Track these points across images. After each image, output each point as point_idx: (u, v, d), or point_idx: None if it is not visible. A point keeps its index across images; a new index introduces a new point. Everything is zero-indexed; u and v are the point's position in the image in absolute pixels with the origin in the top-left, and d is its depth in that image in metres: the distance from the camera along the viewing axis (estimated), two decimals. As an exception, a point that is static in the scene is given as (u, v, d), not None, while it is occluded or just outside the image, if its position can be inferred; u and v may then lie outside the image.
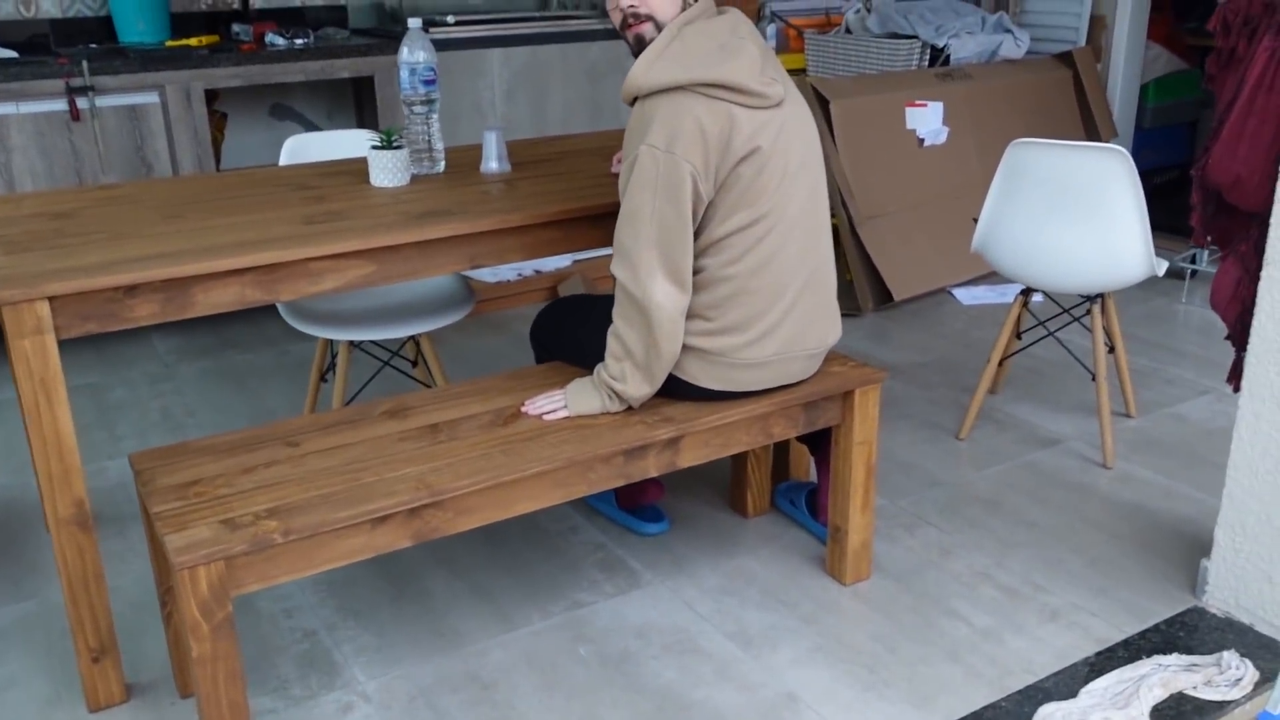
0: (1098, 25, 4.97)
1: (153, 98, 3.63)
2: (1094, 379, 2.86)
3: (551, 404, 2.08)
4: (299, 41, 3.90)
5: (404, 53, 2.48)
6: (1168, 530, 2.55)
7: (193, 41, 3.80)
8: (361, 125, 4.48)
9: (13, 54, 3.68)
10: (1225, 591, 2.23)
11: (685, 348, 2.04)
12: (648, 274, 1.96)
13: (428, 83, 2.50)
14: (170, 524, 1.70)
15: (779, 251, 2.02)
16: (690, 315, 2.04)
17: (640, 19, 2.01)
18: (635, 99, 2.02)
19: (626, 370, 2.03)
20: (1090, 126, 4.88)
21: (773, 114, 1.98)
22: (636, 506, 2.57)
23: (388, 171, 2.44)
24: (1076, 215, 2.65)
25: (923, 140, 4.25)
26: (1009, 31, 4.71)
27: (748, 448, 2.17)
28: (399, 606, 2.32)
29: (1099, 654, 2.11)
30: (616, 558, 2.48)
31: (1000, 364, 3.03)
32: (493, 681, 2.08)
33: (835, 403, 2.23)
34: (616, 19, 2.06)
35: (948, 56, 4.54)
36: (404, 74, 2.49)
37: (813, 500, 2.55)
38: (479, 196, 2.35)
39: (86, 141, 3.56)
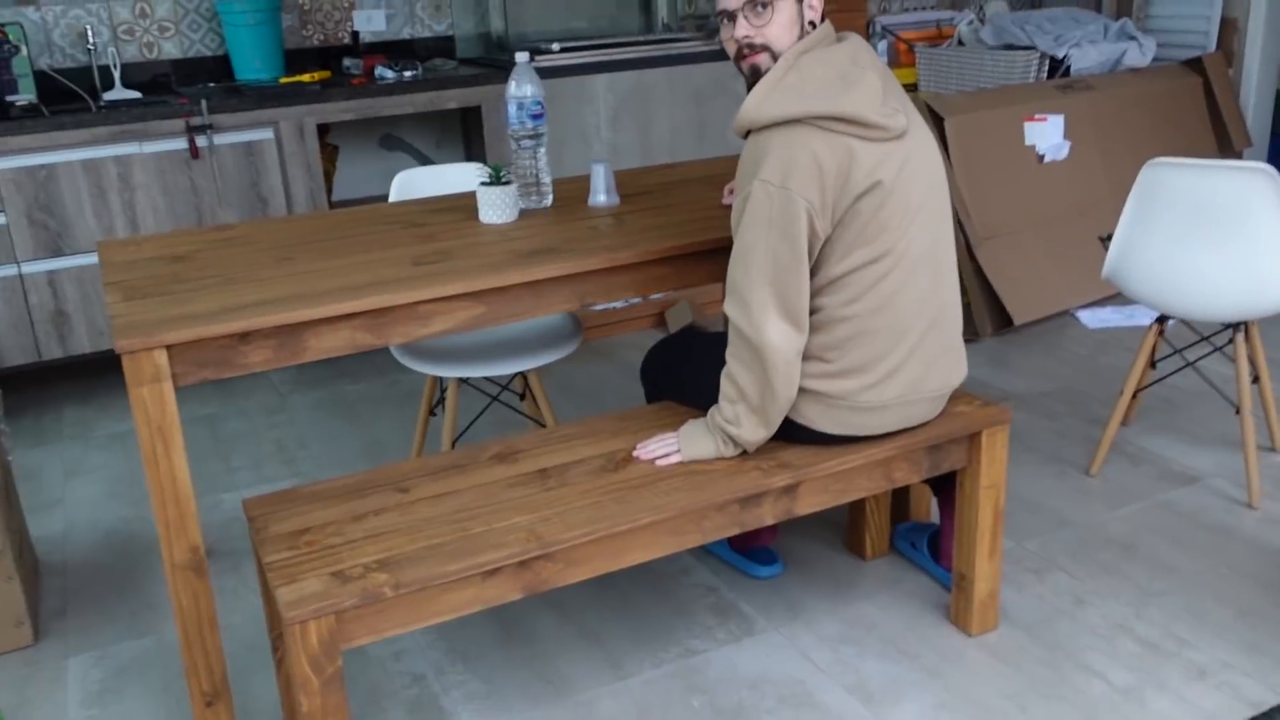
0: (1229, 29, 4.72)
1: (267, 134, 3.70)
2: (1237, 412, 2.68)
3: (664, 448, 2.02)
4: (407, 74, 3.94)
5: (511, 87, 2.46)
6: (1325, 578, 2.37)
7: (305, 78, 3.87)
8: (469, 154, 4.51)
9: (137, 94, 3.79)
10: (1396, 651, 2.05)
11: (803, 390, 1.96)
12: (761, 313, 1.89)
13: (535, 117, 2.47)
14: (281, 575, 1.69)
15: (902, 290, 1.93)
16: (808, 357, 1.95)
17: (756, 49, 1.94)
18: (749, 132, 1.95)
19: (741, 414, 1.95)
20: (1223, 136, 4.63)
21: (895, 146, 1.89)
22: (750, 549, 2.49)
23: (496, 208, 2.42)
24: (1218, 238, 2.49)
25: (1043, 156, 4.08)
26: (1133, 39, 4.50)
27: (868, 494, 2.07)
28: (508, 650, 2.28)
29: (1254, 719, 1.97)
30: (729, 602, 2.41)
31: (1134, 395, 2.86)
32: (604, 733, 2.03)
33: (961, 445, 2.12)
34: (731, 49, 1.99)
35: (1068, 68, 4.36)
36: (511, 108, 2.47)
37: (935, 543, 2.43)
38: (587, 233, 2.30)
39: (205, 178, 3.65)
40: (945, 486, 2.36)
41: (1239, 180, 2.43)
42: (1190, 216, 2.52)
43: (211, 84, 3.98)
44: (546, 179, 2.55)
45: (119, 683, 2.25)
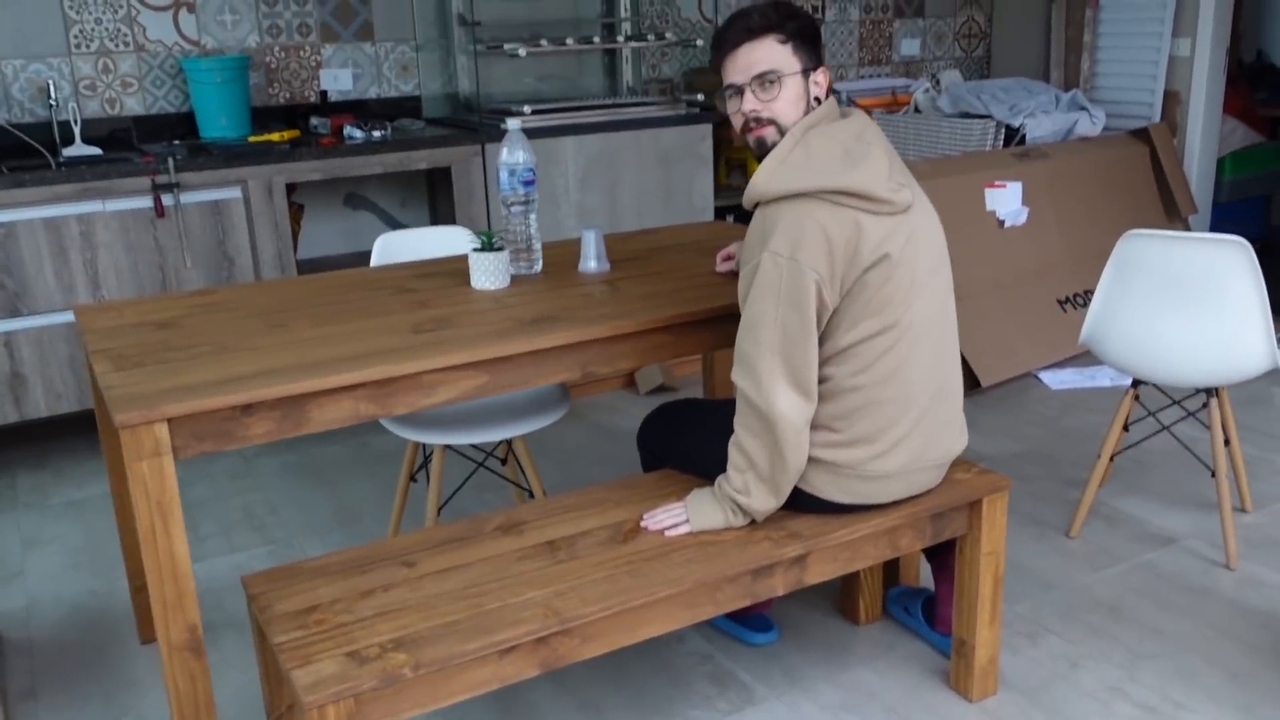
0: (1172, 100, 4.91)
1: (235, 193, 3.65)
2: (1213, 475, 2.74)
3: (672, 518, 2.00)
4: (376, 134, 3.92)
5: (504, 154, 2.46)
6: (1307, 639, 2.42)
7: (274, 137, 3.83)
8: (435, 214, 4.49)
9: (97, 151, 3.72)
10: (1386, 712, 2.09)
11: (811, 460, 1.96)
12: (771, 383, 1.89)
13: (527, 184, 2.48)
14: (294, 657, 1.63)
15: (908, 361, 1.95)
16: (816, 427, 1.96)
17: (762, 123, 1.97)
18: (757, 204, 1.97)
19: (750, 483, 1.95)
20: (1169, 203, 4.80)
21: (901, 220, 1.92)
22: (745, 615, 2.47)
23: (489, 274, 2.41)
24: (1193, 307, 2.56)
25: (1003, 221, 4.18)
26: (1084, 109, 4.65)
27: (874, 561, 2.08)
28: (505, 725, 2.23)
29: (1257, 783, 1.98)
30: (726, 670, 2.38)
31: (1110, 459, 2.92)
32: (611, 812, 1.98)
33: (962, 513, 2.14)
34: (738, 122, 2.01)
35: (1023, 136, 4.49)
36: (503, 175, 2.47)
37: (929, 609, 2.44)
38: (584, 300, 2.30)
39: (170, 238, 3.58)
40: (939, 552, 2.37)
41: (1214, 252, 2.51)
42: (1166, 286, 2.59)
43: (176, 141, 3.92)
44: (537, 245, 2.54)
45: (96, 768, 2.15)
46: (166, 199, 3.54)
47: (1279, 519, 2.96)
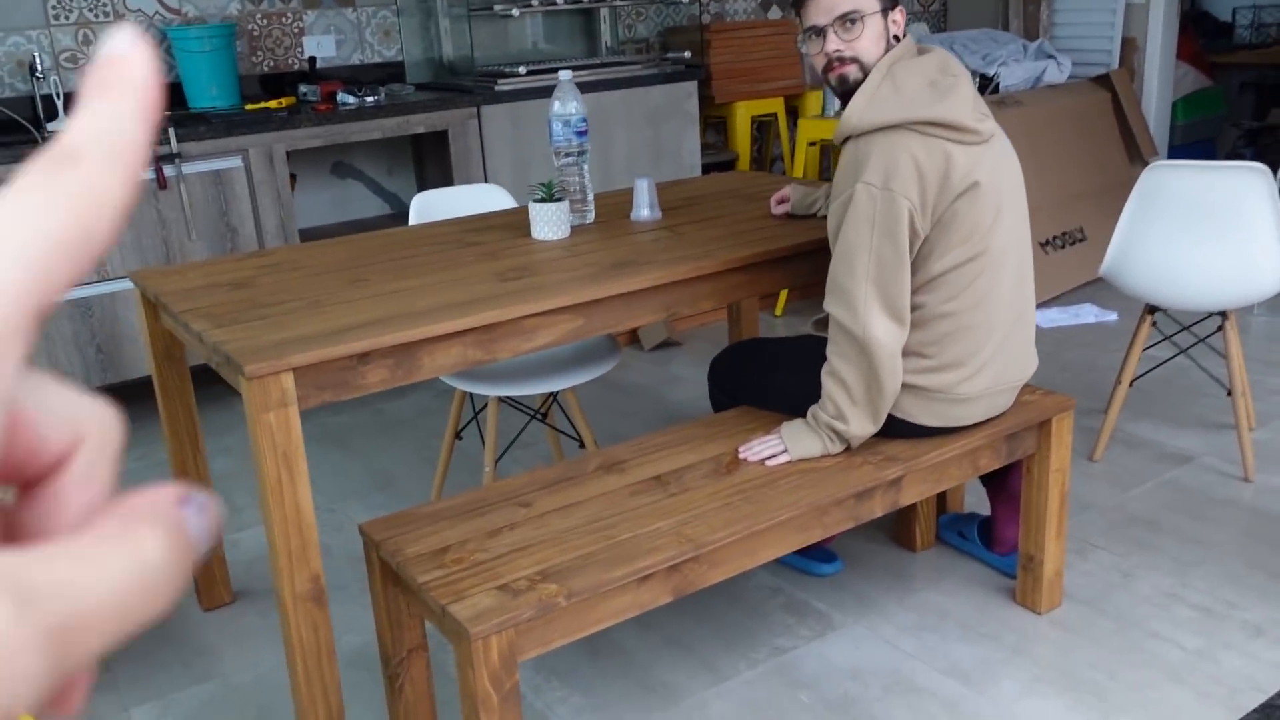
0: (1129, 47, 5.09)
1: (236, 162, 3.59)
2: (1228, 394, 2.90)
3: (770, 449, 2.07)
4: (369, 99, 3.88)
5: (556, 105, 2.48)
6: (1332, 539, 2.58)
7: (272, 104, 3.77)
8: (422, 180, 4.46)
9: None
10: None
11: (904, 386, 2.04)
12: (866, 311, 1.96)
13: (580, 133, 2.50)
14: (446, 594, 1.66)
15: (994, 286, 2.03)
16: (907, 354, 2.03)
17: (845, 61, 2.02)
18: (847, 139, 2.03)
19: (846, 409, 2.02)
20: (1131, 146, 4.98)
21: (985, 149, 2.00)
22: (810, 549, 2.55)
23: (551, 224, 2.43)
24: (1213, 233, 2.70)
25: (987, 168, 4.30)
26: (1051, 57, 4.80)
27: (958, 482, 2.17)
28: (598, 664, 2.28)
29: (1319, 667, 2.12)
30: (799, 600, 2.46)
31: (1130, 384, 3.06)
32: (725, 735, 2.05)
33: (1032, 432, 2.24)
34: (820, 63, 2.06)
35: (997, 85, 4.62)
36: (556, 126, 2.48)
37: (985, 532, 2.55)
38: (653, 245, 2.34)
39: (173, 209, 3.51)
40: (995, 478, 2.47)
41: (1234, 178, 2.64)
42: (1187, 213, 2.72)
43: (168, 112, 3.82)
44: (591, 195, 2.57)
45: (197, 731, 2.15)
46: (168, 170, 3.47)
47: (1282, 434, 3.14)
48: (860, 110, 1.98)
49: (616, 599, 1.74)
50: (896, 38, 2.06)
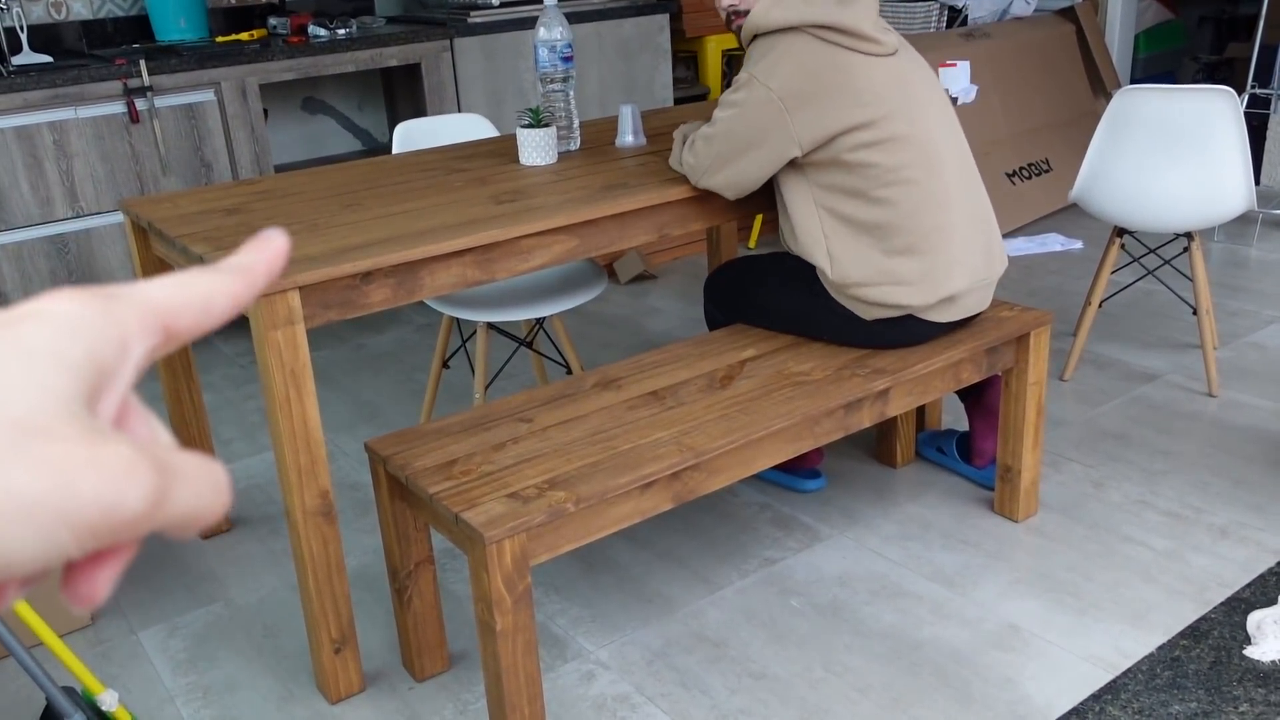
0: (1093, -20, 5.14)
1: (209, 95, 3.55)
2: (1194, 312, 3.00)
3: None
4: (341, 32, 3.85)
5: (541, 31, 2.49)
6: (1291, 448, 2.70)
7: (244, 36, 3.73)
8: (393, 114, 4.43)
9: (47, 58, 3.57)
10: (1378, 497, 2.38)
11: (886, 285, 2.12)
12: (706, 174, 2.18)
13: (566, 59, 2.51)
14: (458, 502, 1.71)
15: (940, 186, 2.13)
16: (880, 255, 2.12)
17: (740, 14, 2.17)
18: (755, 37, 2.14)
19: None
20: (1095, 79, 5.05)
21: (889, 60, 2.08)
22: (794, 466, 2.63)
23: (539, 150, 2.45)
24: (1182, 155, 2.78)
25: (955, 99, 4.36)
26: (1018, -10, 4.84)
27: (941, 394, 2.24)
28: (594, 578, 2.35)
29: (1280, 563, 2.24)
30: (786, 515, 2.54)
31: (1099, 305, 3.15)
32: (721, 639, 2.13)
33: (1011, 346, 2.32)
34: (722, 16, 2.21)
35: (965, 17, 4.66)
36: (542, 52, 2.50)
37: (963, 446, 2.64)
38: (641, 170, 2.37)
39: (146, 144, 3.48)
40: (972, 393, 2.56)
41: (1203, 101, 2.72)
42: (1157, 136, 2.80)
43: (135, 45, 3.77)
44: (577, 121, 2.59)
45: (206, 649, 2.19)
46: (140, 103, 3.43)
47: (1243, 352, 3.26)
48: (765, 10, 2.09)
49: (621, 505, 1.80)
50: None
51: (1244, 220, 4.42)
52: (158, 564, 2.50)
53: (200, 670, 2.13)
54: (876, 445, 2.75)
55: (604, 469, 1.80)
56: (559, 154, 2.53)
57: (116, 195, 3.46)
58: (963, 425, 2.83)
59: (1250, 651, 1.99)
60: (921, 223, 2.11)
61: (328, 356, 3.67)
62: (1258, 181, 4.61)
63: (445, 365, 2.94)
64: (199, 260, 1.94)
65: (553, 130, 2.46)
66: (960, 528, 2.45)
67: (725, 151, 2.14)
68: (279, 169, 4.10)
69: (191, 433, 2.53)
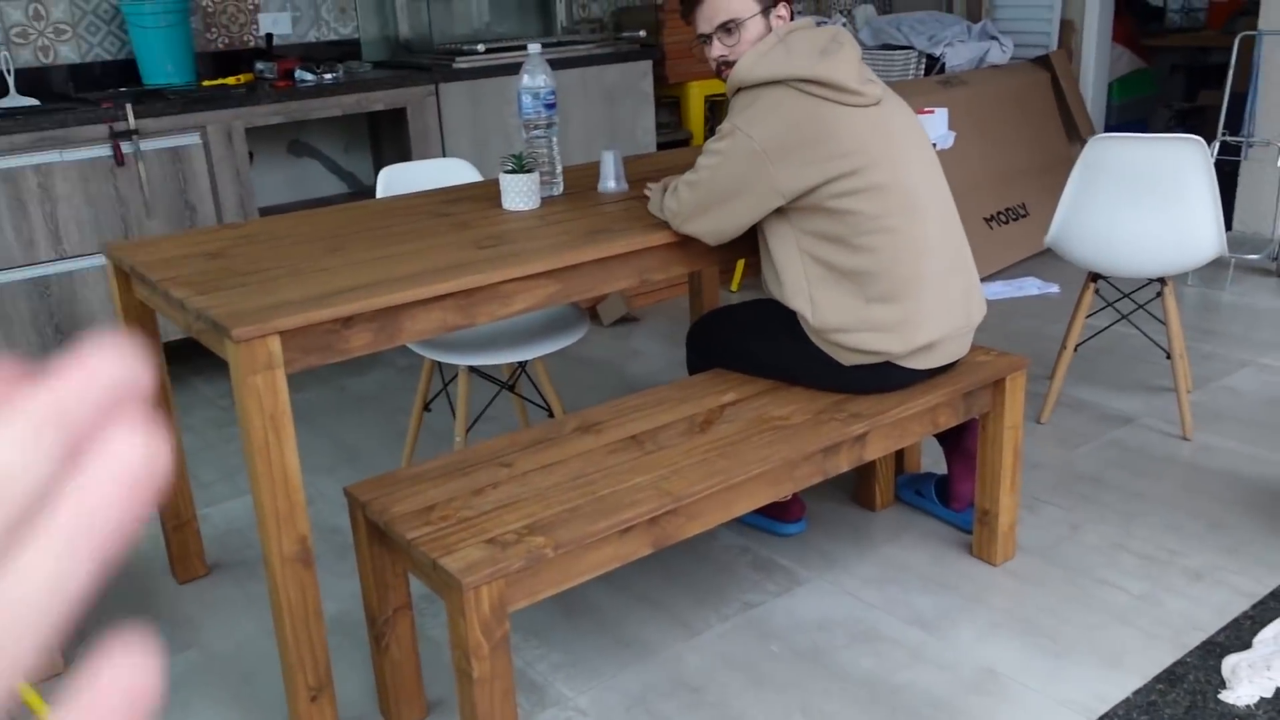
0: (1067, 29, 5.25)
1: (194, 139, 3.58)
2: (1168, 356, 3.04)
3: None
4: (328, 77, 3.89)
5: (525, 79, 2.52)
6: (1267, 491, 2.73)
7: (230, 80, 3.76)
8: (378, 158, 4.47)
9: (34, 101, 3.59)
10: (1350, 541, 2.40)
11: (862, 332, 2.15)
12: (686, 221, 2.20)
13: (550, 106, 2.55)
14: (436, 548, 1.72)
15: (920, 234, 2.16)
16: (858, 303, 2.15)
17: (730, 65, 2.21)
18: (738, 90, 2.19)
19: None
20: (1070, 126, 5.14)
21: (872, 111, 2.13)
22: (775, 510, 2.64)
23: (521, 195, 2.48)
24: (1154, 203, 2.83)
25: (934, 145, 4.42)
26: (995, 38, 4.94)
27: (919, 438, 2.27)
28: (573, 621, 2.34)
29: (1254, 606, 2.26)
30: (765, 558, 2.55)
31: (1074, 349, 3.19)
32: (700, 685, 2.12)
33: (988, 391, 2.35)
34: (711, 66, 2.28)
35: (943, 65, 4.74)
36: (526, 99, 2.53)
37: (942, 489, 2.65)
38: (624, 215, 2.40)
39: (131, 187, 3.49)
40: (951, 436, 2.58)
41: (1173, 150, 2.77)
42: (1129, 183, 2.85)
43: (122, 89, 3.80)
44: (559, 167, 2.62)
45: (179, 697, 2.17)
46: (126, 147, 3.45)
47: (1216, 396, 3.30)
48: (750, 65, 2.13)
49: (600, 550, 1.80)
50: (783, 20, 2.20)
51: (1217, 265, 4.49)
52: (131, 608, 2.48)
53: (174, 719, 2.11)
54: (855, 488, 2.77)
55: (583, 514, 1.81)
56: (542, 199, 2.56)
57: (100, 238, 3.47)
58: (941, 469, 2.85)
59: (1225, 696, 2.00)
60: (902, 270, 2.14)
61: (309, 398, 3.67)
62: (1230, 227, 4.68)
63: (427, 408, 2.95)
64: (179, 305, 1.95)
65: (536, 176, 2.49)
66: (938, 571, 2.46)
67: (707, 199, 2.17)
68: (264, 211, 4.11)
69: (170, 477, 2.52)
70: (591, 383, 3.67)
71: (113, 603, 2.51)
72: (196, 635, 2.38)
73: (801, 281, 2.19)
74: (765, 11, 2.20)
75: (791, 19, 2.23)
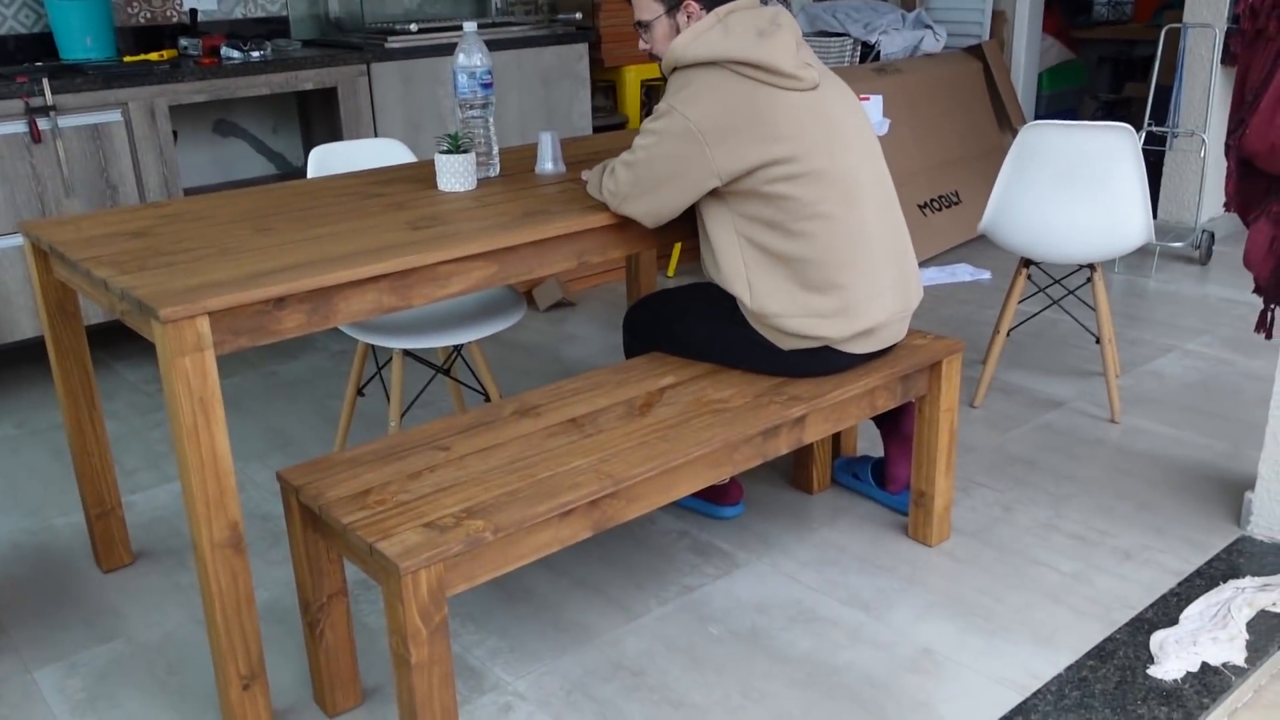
0: (999, 19, 5.31)
1: (115, 116, 3.46)
2: (1097, 341, 3.09)
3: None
4: (255, 54, 3.79)
5: (460, 58, 2.48)
6: (1192, 473, 2.79)
7: (153, 56, 3.65)
8: (308, 138, 4.37)
9: (-55, 75, 3.45)
10: (1270, 520, 2.47)
11: (802, 317, 2.16)
12: (623, 201, 2.19)
13: (485, 86, 2.51)
14: (373, 532, 1.68)
15: (858, 219, 2.17)
16: (797, 288, 2.15)
17: (655, 56, 2.29)
18: (674, 69, 2.20)
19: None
20: (1001, 115, 5.21)
21: (809, 95, 2.14)
22: (713, 493, 2.64)
23: (457, 175, 2.44)
24: (1085, 190, 2.87)
25: (869, 132, 4.45)
26: (929, 27, 4.98)
27: (857, 421, 2.27)
28: (511, 607, 2.32)
29: (1181, 584, 2.32)
30: (704, 541, 2.55)
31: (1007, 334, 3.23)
32: (640, 669, 2.11)
33: (924, 374, 2.36)
34: (646, 50, 2.32)
35: (878, 52, 4.77)
36: (461, 78, 2.49)
37: (878, 472, 2.67)
38: (561, 196, 2.37)
39: (49, 164, 3.37)
40: (888, 419, 2.60)
41: (1104, 138, 2.82)
42: (1060, 171, 2.89)
43: (38, 63, 3.66)
44: (496, 148, 2.58)
45: (105, 688, 2.11)
46: (43, 123, 3.33)
47: (1143, 380, 3.37)
48: (685, 45, 2.15)
49: (540, 534, 1.78)
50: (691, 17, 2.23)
51: (1143, 253, 4.59)
52: (54, 598, 2.40)
53: (100, 711, 2.05)
54: (793, 471, 2.78)
55: (522, 497, 1.78)
56: (478, 180, 2.52)
57: (16, 217, 3.34)
58: (877, 452, 2.87)
59: (1154, 671, 2.05)
60: (839, 257, 2.15)
61: (238, 384, 3.59)
62: (1155, 215, 4.79)
63: (360, 393, 2.90)
64: (102, 285, 1.88)
65: (472, 156, 2.45)
66: (876, 553, 2.48)
67: (644, 179, 2.15)
68: (189, 192, 4.01)
69: (94, 464, 2.44)
70: (527, 368, 3.64)
71: (32, 592, 2.42)
72: (122, 625, 2.31)
73: (740, 266, 2.18)
74: (669, 12, 2.22)
75: (706, 10, 2.20)
